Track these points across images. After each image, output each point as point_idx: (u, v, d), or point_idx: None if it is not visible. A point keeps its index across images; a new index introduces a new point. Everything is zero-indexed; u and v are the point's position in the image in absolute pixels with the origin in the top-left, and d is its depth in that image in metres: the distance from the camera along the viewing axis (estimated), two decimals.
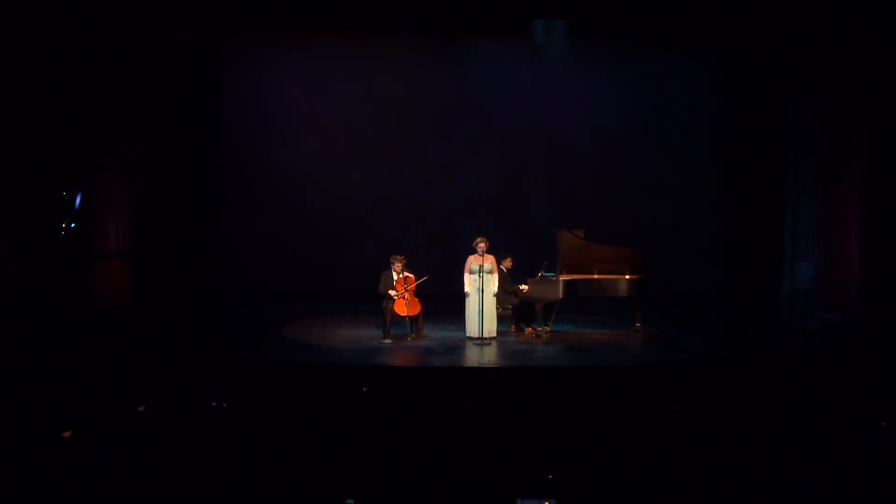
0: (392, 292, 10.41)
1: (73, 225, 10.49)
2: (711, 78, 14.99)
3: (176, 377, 7.92)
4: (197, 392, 6.87)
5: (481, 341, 10.23)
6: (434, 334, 10.84)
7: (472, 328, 10.45)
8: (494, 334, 10.51)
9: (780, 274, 12.46)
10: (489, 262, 10.51)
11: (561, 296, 10.68)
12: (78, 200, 10.57)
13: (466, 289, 10.54)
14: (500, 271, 10.75)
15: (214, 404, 6.20)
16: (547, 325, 10.86)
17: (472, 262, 10.56)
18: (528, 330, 11.05)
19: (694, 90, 14.99)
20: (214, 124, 14.60)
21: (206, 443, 5.26)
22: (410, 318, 10.54)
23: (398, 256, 10.63)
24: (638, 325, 11.18)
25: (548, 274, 10.85)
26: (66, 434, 5.34)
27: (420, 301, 10.63)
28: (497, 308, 10.66)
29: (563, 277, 10.74)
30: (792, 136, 12.27)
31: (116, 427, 5.72)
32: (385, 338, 10.39)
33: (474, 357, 9.53)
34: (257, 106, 14.80)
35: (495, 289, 10.53)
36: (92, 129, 11.47)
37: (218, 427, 5.70)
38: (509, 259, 11.07)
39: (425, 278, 10.65)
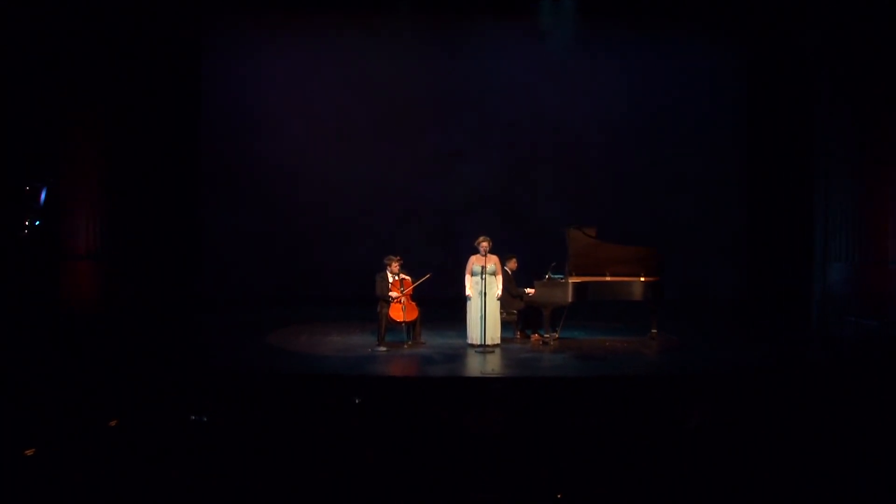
0: (392, 293, 10.38)
1: (37, 223, 10.47)
2: (734, 62, 14.99)
3: (152, 389, 7.89)
4: (175, 405, 6.85)
5: (484, 349, 10.20)
6: (433, 341, 10.82)
7: (473, 334, 10.43)
8: (498, 341, 10.49)
9: (810, 276, 12.44)
10: (492, 262, 10.48)
11: (570, 299, 10.66)
12: (43, 196, 10.56)
13: (468, 292, 10.52)
14: (505, 273, 10.73)
15: (194, 418, 6.18)
16: (555, 331, 10.84)
17: (474, 262, 10.54)
18: (535, 336, 11.03)
19: (714, 76, 15.00)
20: (194, 113, 14.60)
21: (183, 460, 5.23)
22: (407, 323, 10.51)
23: (394, 257, 10.61)
24: (654, 331, 11.16)
25: (556, 276, 10.84)
26: (29, 452, 5.31)
27: (417, 305, 10.60)
28: (501, 313, 10.63)
29: (572, 279, 10.72)
30: (822, 126, 12.24)
31: (85, 444, 5.70)
32: (379, 345, 10.37)
33: (476, 366, 9.50)
34: (240, 93, 14.82)
35: (499, 292, 10.51)
36: (58, 118, 11.44)
37: (197, 443, 5.68)
38: (514, 259, 11.05)
39: (426, 277, 10.58)
